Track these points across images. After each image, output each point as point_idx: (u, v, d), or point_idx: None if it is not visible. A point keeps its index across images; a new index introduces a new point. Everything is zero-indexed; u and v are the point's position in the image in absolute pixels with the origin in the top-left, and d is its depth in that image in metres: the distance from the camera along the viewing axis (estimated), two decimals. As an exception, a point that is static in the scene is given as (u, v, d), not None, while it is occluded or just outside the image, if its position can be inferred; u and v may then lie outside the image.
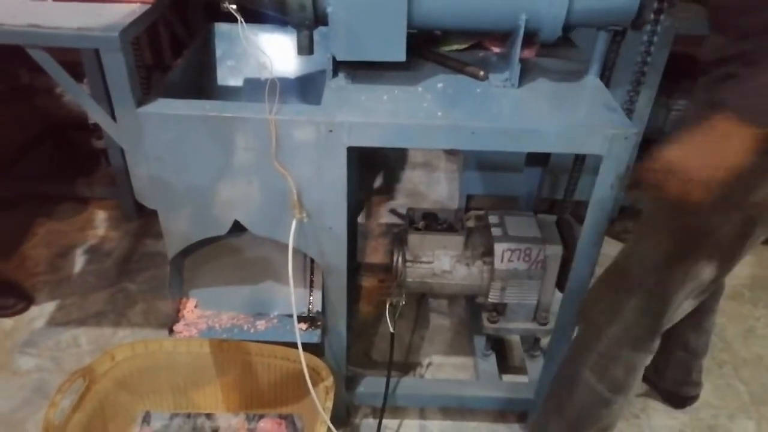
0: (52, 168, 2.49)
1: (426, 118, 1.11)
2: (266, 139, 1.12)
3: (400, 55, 1.16)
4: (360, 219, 2.38)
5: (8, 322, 1.88)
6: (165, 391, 1.57)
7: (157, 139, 1.13)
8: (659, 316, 1.17)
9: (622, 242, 2.34)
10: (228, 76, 1.51)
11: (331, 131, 1.11)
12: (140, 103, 1.11)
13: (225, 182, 1.19)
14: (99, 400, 1.44)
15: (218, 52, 1.51)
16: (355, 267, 2.05)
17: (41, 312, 1.93)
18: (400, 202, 2.51)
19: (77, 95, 1.09)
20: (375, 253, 2.22)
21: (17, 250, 2.17)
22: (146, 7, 1.15)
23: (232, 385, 1.58)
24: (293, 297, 1.20)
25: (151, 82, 1.70)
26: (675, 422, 1.68)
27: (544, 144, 1.12)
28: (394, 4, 1.11)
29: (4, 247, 2.16)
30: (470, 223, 2.11)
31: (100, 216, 2.35)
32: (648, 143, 2.06)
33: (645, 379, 1.71)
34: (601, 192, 1.17)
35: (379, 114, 1.13)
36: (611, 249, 2.26)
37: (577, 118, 1.14)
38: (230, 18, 1.21)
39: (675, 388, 1.69)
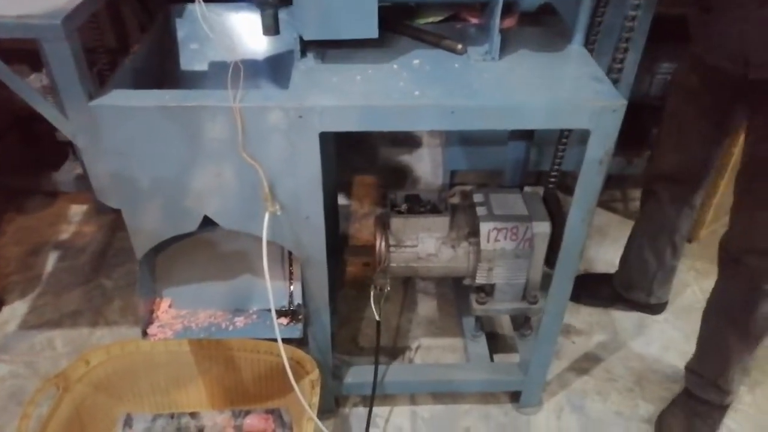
0: (18, 161, 2.38)
1: (402, 98, 1.04)
2: (232, 128, 1.04)
3: (372, 31, 1.09)
4: (341, 200, 2.31)
5: (-21, 327, 1.81)
6: (146, 393, 1.52)
7: (113, 134, 1.05)
8: None
9: (610, 211, 2.31)
10: (192, 60, 1.41)
11: (301, 117, 1.04)
12: (92, 96, 1.03)
13: (191, 176, 1.11)
14: (75, 406, 1.38)
15: (180, 35, 1.42)
16: (338, 249, 1.98)
17: (13, 314, 1.85)
18: (383, 180, 2.45)
19: (19, 89, 1.00)
20: (359, 235, 2.16)
21: (-15, 249, 2.08)
22: (93, -11, 1.06)
23: (216, 382, 1.52)
24: (270, 294, 1.14)
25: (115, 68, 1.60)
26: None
27: (528, 121, 1.06)
28: (362, -24, 1.03)
29: (-28, 246, 2.08)
30: (455, 200, 2.05)
31: (72, 210, 2.26)
32: (634, 109, 2.00)
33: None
34: (590, 168, 1.11)
35: (352, 96, 1.05)
36: (598, 218, 2.25)
37: (562, 92, 1.07)
38: None
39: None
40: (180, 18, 1.41)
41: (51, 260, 2.04)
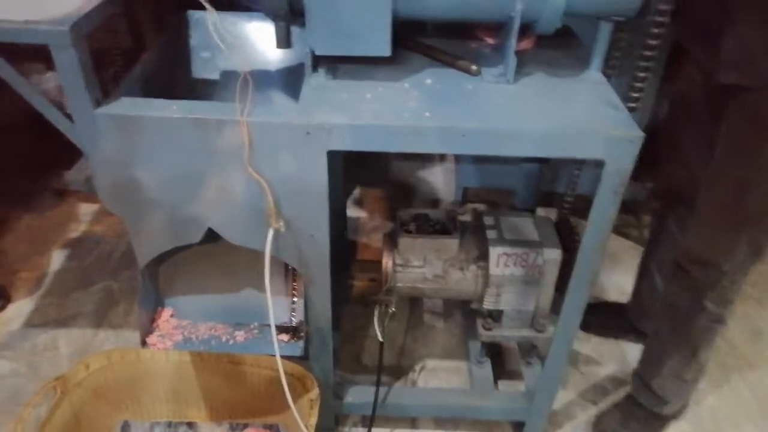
0: (30, 160, 2.39)
1: (412, 119, 1.02)
2: (238, 142, 1.02)
3: (384, 49, 1.07)
4: (351, 212, 2.29)
5: (-16, 324, 1.81)
6: (144, 401, 1.50)
7: (118, 142, 1.04)
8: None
9: (623, 237, 2.26)
10: (203, 68, 1.41)
11: (308, 134, 1.02)
12: (99, 102, 1.02)
13: (196, 188, 1.10)
14: (73, 411, 1.37)
15: (192, 42, 1.41)
16: (345, 264, 1.96)
17: (18, 312, 1.85)
18: (394, 194, 2.42)
19: (26, 93, 0.99)
20: (367, 249, 2.14)
21: (-5, 247, 2.09)
22: (106, -4, 1.05)
23: (215, 395, 1.50)
24: (271, 310, 1.12)
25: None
26: (675, 431, 1.61)
27: (539, 148, 1.03)
28: (377, -7, 1.01)
29: (-18, 242, 2.09)
30: (466, 217, 2.02)
31: (82, 209, 2.27)
32: (650, 133, 1.95)
33: None
34: (604, 199, 1.07)
35: (360, 115, 1.03)
36: (611, 244, 2.20)
37: (576, 120, 1.04)
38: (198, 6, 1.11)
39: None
40: (194, 25, 1.40)
41: (59, 259, 2.05)
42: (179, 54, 1.39)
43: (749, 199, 1.21)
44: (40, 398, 1.26)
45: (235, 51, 1.38)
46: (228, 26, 1.38)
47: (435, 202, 2.41)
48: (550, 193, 2.24)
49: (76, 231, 2.17)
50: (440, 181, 2.47)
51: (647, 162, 2.04)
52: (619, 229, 2.28)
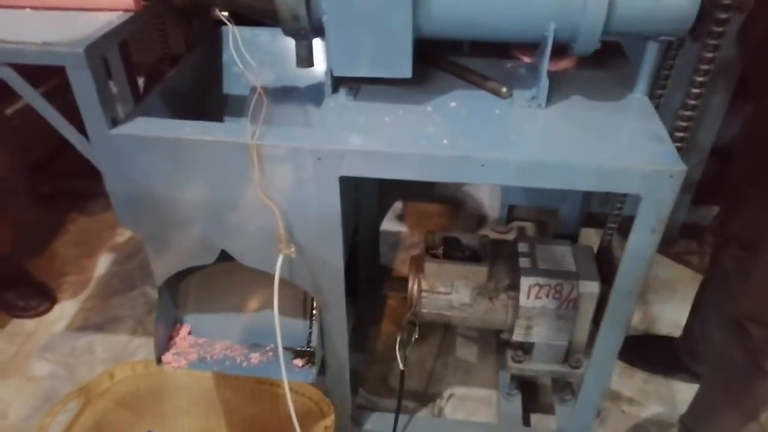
0: (85, 165, 2.48)
1: (428, 147, 0.96)
2: (250, 165, 1.00)
3: (405, 71, 1.01)
4: (390, 226, 2.24)
5: (30, 324, 1.88)
6: (167, 413, 1.50)
7: (133, 162, 1.04)
8: None
9: (683, 264, 2.10)
10: (234, 83, 1.40)
11: (319, 159, 0.98)
12: (116, 121, 1.02)
13: (209, 209, 1.08)
14: (95, 420, 1.39)
15: (225, 57, 1.40)
16: (377, 281, 1.91)
17: (62, 314, 1.91)
18: (437, 209, 2.36)
19: (45, 113, 1.00)
20: (403, 266, 2.08)
21: (48, 247, 2.17)
22: (127, 15, 1.05)
23: (236, 412, 1.49)
24: (279, 336, 1.09)
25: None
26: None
27: (568, 181, 0.94)
28: (397, 14, 0.96)
29: (38, 242, 2.17)
30: (511, 235, 1.93)
31: (131, 214, 2.33)
32: (720, 154, 1.79)
33: None
34: (640, 237, 0.98)
35: (375, 140, 0.98)
36: (668, 271, 2.05)
37: (610, 151, 0.94)
38: (239, 21, 1.10)
39: None
40: (227, 40, 1.39)
41: (104, 263, 2.11)
42: (212, 69, 1.39)
43: None
44: (61, 407, 1.28)
45: (266, 67, 1.36)
46: (262, 41, 1.37)
47: (481, 219, 2.33)
48: (598, 213, 2.12)
49: (122, 236, 2.22)
50: (486, 197, 2.38)
51: (714, 184, 1.88)
52: (679, 256, 2.12)
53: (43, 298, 1.93)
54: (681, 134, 1.00)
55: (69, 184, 2.36)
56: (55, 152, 2.37)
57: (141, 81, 1.97)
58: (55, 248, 2.17)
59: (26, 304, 1.90)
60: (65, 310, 1.93)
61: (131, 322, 1.89)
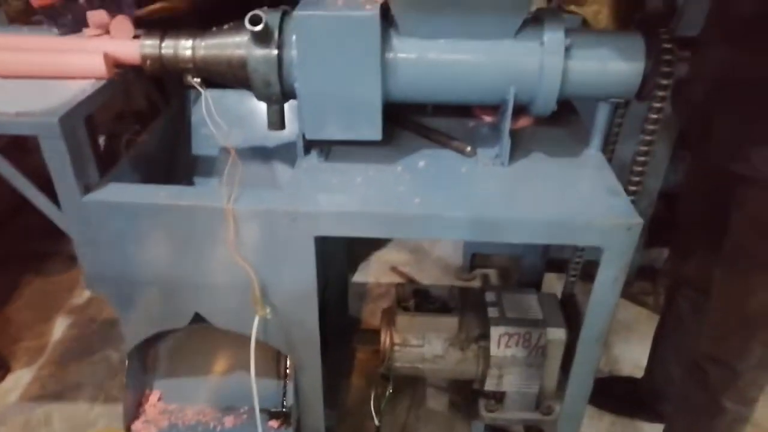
0: (43, 224, 2.42)
1: (401, 206, 0.99)
2: (225, 228, 1.01)
3: (375, 134, 1.06)
4: (357, 277, 2.25)
5: (-20, 395, 1.79)
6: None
7: (106, 228, 1.03)
8: None
9: (639, 305, 2.18)
10: (202, 144, 1.41)
11: (294, 220, 1.00)
12: (88, 188, 1.02)
13: (183, 273, 1.08)
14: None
15: (194, 119, 1.42)
16: (346, 334, 1.91)
17: (17, 383, 1.82)
18: (402, 258, 2.39)
19: (16, 182, 0.99)
20: (373, 317, 2.08)
21: (0, 313, 2.08)
22: (100, 83, 1.06)
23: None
24: (256, 399, 1.08)
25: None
26: None
27: (534, 235, 1.00)
28: (367, 80, 1.01)
29: (-11, 308, 2.09)
30: (475, 283, 1.97)
31: (90, 274, 2.26)
32: (667, 198, 1.88)
33: None
34: (603, 287, 1.03)
35: (348, 201, 1.01)
36: (626, 313, 2.12)
37: (572, 207, 1.00)
38: (209, 84, 1.12)
39: None
40: (195, 103, 1.42)
41: (62, 327, 2.03)
42: (180, 131, 1.40)
43: (756, 302, 1.16)
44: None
45: (235, 127, 1.38)
46: (229, 102, 1.40)
47: (444, 267, 2.37)
48: (559, 259, 2.19)
49: (81, 297, 2.16)
50: (449, 245, 2.43)
51: (664, 227, 1.97)
52: (634, 297, 2.20)
53: (-4, 366, 1.84)
54: (634, 187, 1.07)
55: (24, 245, 2.29)
56: (10, 213, 2.31)
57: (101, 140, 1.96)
58: (7, 313, 2.09)
59: (-23, 374, 1.81)
60: (20, 378, 1.85)
61: (91, 389, 1.81)
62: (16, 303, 2.13)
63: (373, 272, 2.31)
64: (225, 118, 1.21)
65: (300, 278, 1.06)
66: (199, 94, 1.39)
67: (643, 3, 1.61)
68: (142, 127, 1.76)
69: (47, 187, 1.33)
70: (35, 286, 2.21)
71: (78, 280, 2.24)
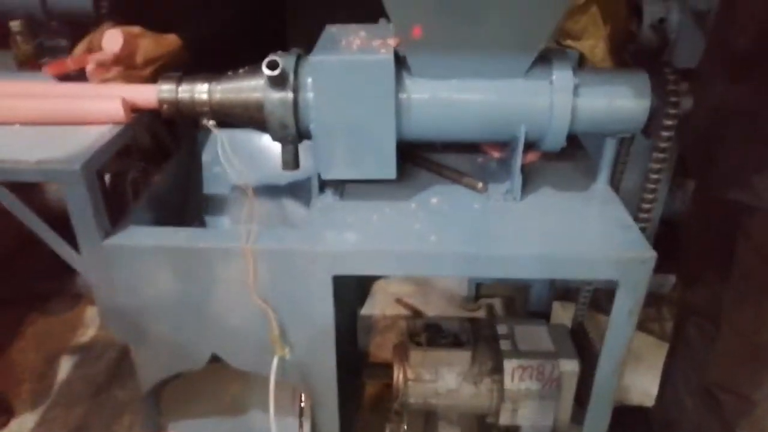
0: (48, 264, 2.41)
1: (418, 244, 1.01)
2: (243, 268, 1.02)
3: (390, 172, 1.08)
4: (364, 309, 2.25)
5: (-16, 440, 1.76)
6: None
7: (125, 272, 1.04)
8: None
9: (645, 332, 2.18)
10: (214, 183, 1.43)
11: (314, 260, 1.01)
12: (108, 233, 1.03)
13: (201, 314, 1.08)
14: None
15: (205, 158, 1.44)
16: (356, 368, 1.90)
17: (20, 428, 1.80)
18: (407, 289, 2.39)
19: (36, 227, 1.00)
20: (380, 350, 2.08)
21: (3, 354, 2.06)
22: (118, 128, 1.08)
23: None
24: (276, 440, 1.07)
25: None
26: None
27: (549, 271, 1.01)
28: (382, 121, 1.03)
29: (-8, 350, 2.07)
30: (480, 312, 1.97)
31: (94, 313, 2.25)
32: (670, 225, 1.90)
33: None
34: (619, 319, 1.04)
35: (367, 240, 1.02)
36: (635, 341, 2.11)
37: (586, 242, 1.02)
38: (221, 125, 1.14)
39: None
40: (206, 142, 1.44)
41: (66, 367, 2.01)
42: (191, 171, 1.42)
43: (767, 332, 1.17)
44: None
45: (247, 165, 1.40)
46: (242, 141, 1.41)
47: (449, 297, 2.37)
48: (565, 288, 2.20)
49: (85, 336, 2.14)
50: (453, 276, 2.44)
51: (668, 253, 1.99)
52: (640, 324, 2.19)
53: None
54: (643, 221, 1.09)
55: (28, 285, 2.27)
56: (12, 252, 2.30)
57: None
58: (10, 355, 2.06)
59: (-21, 420, 1.78)
60: (24, 422, 1.82)
61: (98, 430, 1.79)
62: (20, 344, 2.11)
63: (378, 304, 2.31)
64: (237, 157, 1.23)
65: (318, 316, 1.06)
66: (208, 132, 1.43)
67: (636, 36, 1.66)
68: (146, 164, 1.79)
69: (53, 225, 1.36)
70: (39, 326, 2.19)
71: (82, 319, 2.23)
